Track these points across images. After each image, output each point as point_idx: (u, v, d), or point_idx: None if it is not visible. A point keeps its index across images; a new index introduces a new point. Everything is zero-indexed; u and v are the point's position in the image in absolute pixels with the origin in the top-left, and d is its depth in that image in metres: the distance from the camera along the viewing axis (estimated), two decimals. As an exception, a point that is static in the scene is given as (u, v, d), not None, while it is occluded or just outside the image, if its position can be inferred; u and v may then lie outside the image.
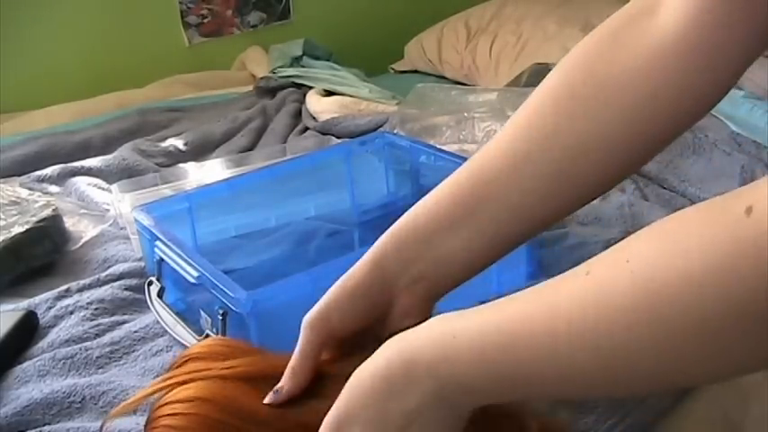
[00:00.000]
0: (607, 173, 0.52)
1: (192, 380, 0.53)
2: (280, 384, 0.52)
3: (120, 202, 1.06)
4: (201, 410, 0.51)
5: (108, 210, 1.13)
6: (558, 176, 0.52)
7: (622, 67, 0.50)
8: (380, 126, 1.35)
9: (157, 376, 0.74)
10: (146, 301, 0.86)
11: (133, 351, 0.79)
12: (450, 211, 0.54)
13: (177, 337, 0.79)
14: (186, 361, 0.56)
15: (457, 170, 0.55)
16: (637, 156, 0.52)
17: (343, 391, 0.46)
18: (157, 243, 0.82)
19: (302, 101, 1.61)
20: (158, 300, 0.84)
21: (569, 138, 0.51)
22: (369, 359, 0.46)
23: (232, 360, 0.55)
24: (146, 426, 0.54)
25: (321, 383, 0.52)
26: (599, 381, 0.39)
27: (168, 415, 0.52)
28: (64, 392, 0.71)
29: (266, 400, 0.51)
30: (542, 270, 0.83)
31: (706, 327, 0.33)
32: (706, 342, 0.34)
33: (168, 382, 0.54)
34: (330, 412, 0.47)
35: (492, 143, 0.54)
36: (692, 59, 0.48)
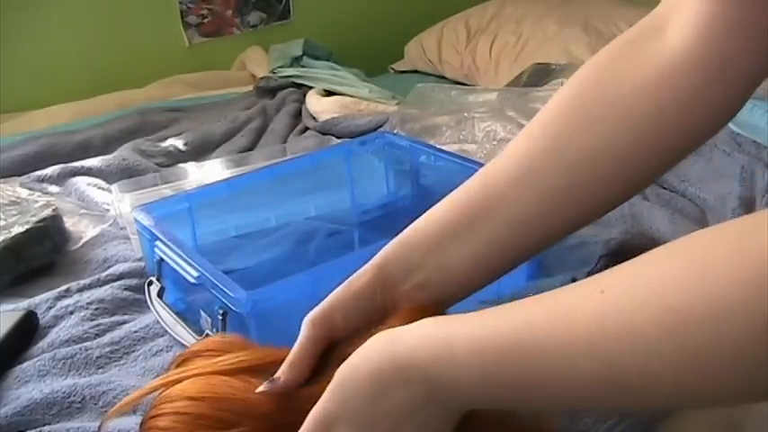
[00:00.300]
0: (616, 187, 0.52)
1: (185, 378, 0.53)
2: (276, 375, 0.51)
3: (120, 202, 1.06)
4: (190, 409, 0.51)
5: (108, 210, 1.13)
6: (570, 188, 0.52)
7: (630, 85, 0.50)
8: (380, 126, 1.35)
9: (157, 376, 0.74)
10: (146, 301, 0.86)
11: (133, 351, 0.79)
12: (458, 220, 0.54)
13: (177, 337, 0.79)
14: (183, 360, 0.56)
15: (469, 179, 0.55)
16: (646, 172, 0.53)
17: (330, 386, 0.46)
18: (157, 243, 0.82)
19: (302, 101, 1.61)
20: (158, 300, 0.83)
21: (580, 151, 0.51)
22: (356, 354, 0.46)
23: (227, 355, 0.55)
24: (140, 427, 0.54)
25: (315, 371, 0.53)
26: (598, 395, 0.38)
27: (159, 416, 0.53)
28: (64, 392, 0.71)
29: (260, 389, 0.51)
30: (542, 270, 0.83)
31: (726, 357, 0.33)
32: (719, 372, 0.33)
33: (163, 381, 0.55)
34: (317, 406, 0.46)
35: (504, 153, 0.55)
36: (702, 73, 0.48)
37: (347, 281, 0.55)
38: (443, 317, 0.45)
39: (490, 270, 0.54)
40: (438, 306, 0.54)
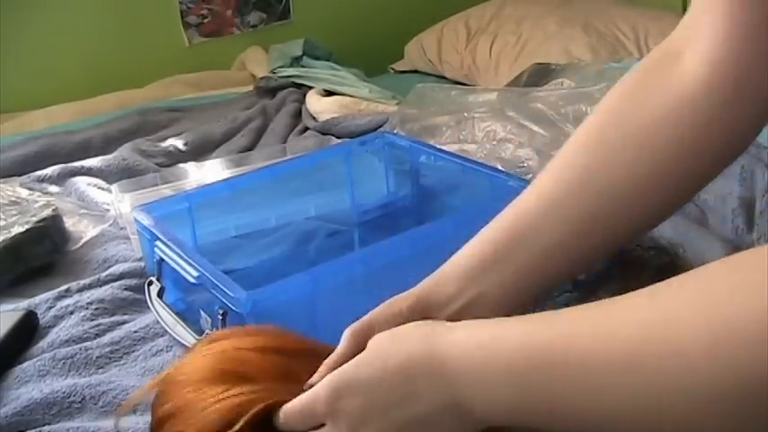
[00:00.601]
0: (640, 216, 0.54)
1: (209, 352, 0.54)
2: (313, 380, 0.52)
3: (120, 202, 1.06)
4: (210, 364, 0.53)
5: (108, 210, 1.13)
6: (596, 217, 0.53)
7: (650, 116, 0.52)
8: (380, 126, 1.35)
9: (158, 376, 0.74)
10: (146, 301, 0.86)
11: (133, 351, 0.79)
12: (490, 252, 0.56)
13: (177, 337, 0.79)
14: (209, 342, 0.57)
15: (502, 212, 0.58)
16: (667, 199, 0.54)
17: (360, 356, 0.47)
18: (157, 243, 0.82)
19: (302, 101, 1.61)
20: (158, 300, 0.83)
21: (603, 182, 0.53)
22: (398, 334, 0.46)
23: (254, 336, 0.55)
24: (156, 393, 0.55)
25: None
26: (636, 420, 0.36)
27: (176, 371, 0.54)
28: (64, 392, 0.71)
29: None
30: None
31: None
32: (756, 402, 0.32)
33: (185, 356, 0.56)
34: (339, 370, 0.47)
35: (534, 185, 0.57)
36: (720, 93, 0.49)
37: (390, 300, 0.56)
38: (488, 322, 0.45)
39: (521, 298, 0.56)
40: None
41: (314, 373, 0.53)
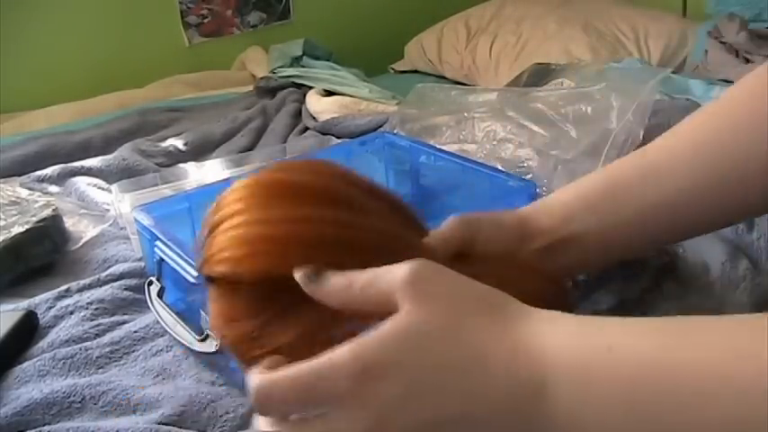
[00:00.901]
0: (755, 195, 0.53)
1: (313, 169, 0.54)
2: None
3: (120, 202, 1.06)
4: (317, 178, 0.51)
5: (108, 210, 1.13)
6: (717, 184, 0.53)
7: None
8: (380, 126, 1.35)
9: (157, 376, 0.74)
10: (146, 301, 0.86)
11: (133, 351, 0.79)
12: (596, 195, 0.56)
13: (177, 337, 0.79)
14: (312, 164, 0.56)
15: (623, 158, 0.58)
16: None
17: (408, 320, 0.38)
18: (157, 243, 0.82)
19: (302, 101, 1.61)
20: (158, 300, 0.83)
21: (729, 150, 0.53)
22: (459, 323, 0.38)
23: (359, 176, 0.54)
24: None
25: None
26: None
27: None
28: (64, 392, 0.71)
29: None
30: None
31: None
32: None
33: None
34: (378, 336, 0.38)
35: (657, 141, 0.57)
36: None
37: (496, 213, 0.56)
38: (592, 318, 0.39)
39: (610, 251, 0.56)
40: (555, 277, 0.55)
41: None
